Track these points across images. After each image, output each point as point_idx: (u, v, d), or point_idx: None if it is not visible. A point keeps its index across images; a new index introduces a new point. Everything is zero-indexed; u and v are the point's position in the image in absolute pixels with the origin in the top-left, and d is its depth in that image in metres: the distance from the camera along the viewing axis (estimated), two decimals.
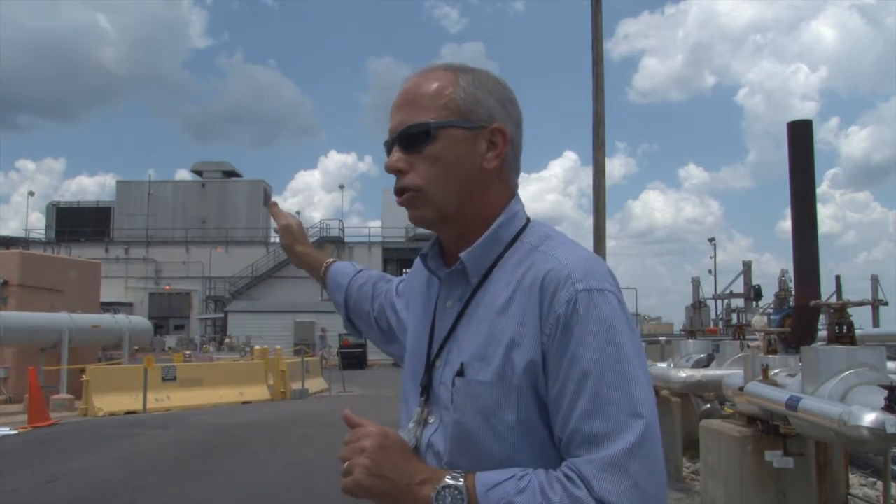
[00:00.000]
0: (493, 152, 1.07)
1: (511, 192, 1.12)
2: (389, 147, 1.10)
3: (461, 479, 0.94)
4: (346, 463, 1.00)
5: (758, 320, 8.51)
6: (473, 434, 1.00)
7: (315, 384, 18.15)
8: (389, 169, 1.09)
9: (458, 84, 1.07)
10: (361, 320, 1.54)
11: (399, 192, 1.09)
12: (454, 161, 1.06)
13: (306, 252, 1.64)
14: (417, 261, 1.29)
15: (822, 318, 6.47)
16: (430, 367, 1.10)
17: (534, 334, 0.97)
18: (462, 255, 1.07)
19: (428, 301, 1.19)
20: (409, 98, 1.09)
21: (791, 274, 7.15)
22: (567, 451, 0.95)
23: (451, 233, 1.11)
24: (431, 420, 1.07)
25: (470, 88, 1.07)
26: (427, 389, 1.09)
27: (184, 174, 53.75)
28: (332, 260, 1.63)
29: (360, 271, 1.59)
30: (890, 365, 4.65)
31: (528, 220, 1.12)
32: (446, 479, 0.95)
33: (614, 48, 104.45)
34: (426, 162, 1.06)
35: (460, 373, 1.03)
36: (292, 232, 1.63)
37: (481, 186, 1.08)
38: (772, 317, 8.13)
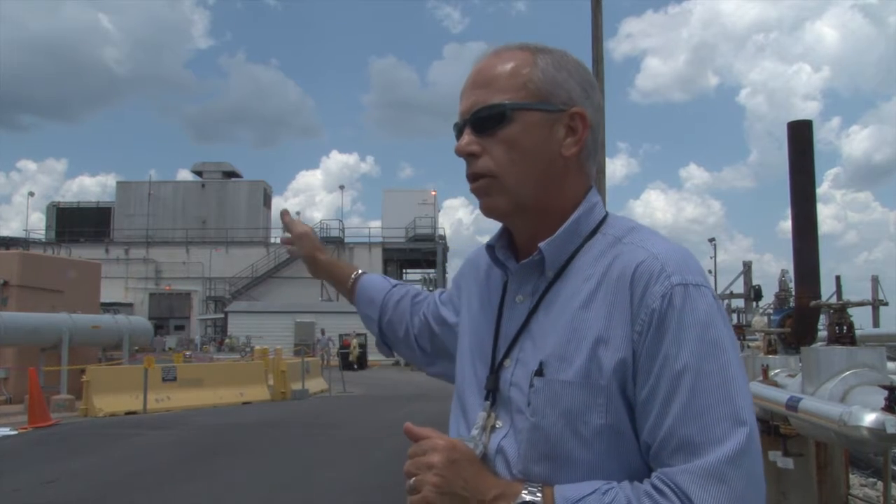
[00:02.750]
0: (572, 138, 1.00)
1: (588, 182, 1.05)
2: (460, 130, 1.02)
3: (539, 494, 0.87)
4: (413, 479, 0.91)
5: (758, 320, 8.48)
6: (554, 439, 0.91)
7: (315, 384, 18.15)
8: (460, 152, 1.01)
9: (536, 64, 1.00)
10: (398, 339, 1.39)
11: (472, 178, 1.01)
12: (531, 146, 0.98)
13: (332, 262, 1.49)
14: (471, 258, 1.21)
15: (823, 319, 6.46)
16: (496, 367, 1.01)
17: (623, 330, 0.90)
18: (542, 245, 0.98)
19: (489, 297, 1.10)
20: (482, 78, 1.01)
21: (791, 274, 7.13)
22: (657, 459, 0.86)
23: (525, 225, 1.03)
24: (499, 425, 0.98)
25: (549, 69, 1.00)
26: (493, 392, 1.00)
27: (185, 174, 53.81)
28: (361, 271, 1.48)
29: (395, 286, 1.44)
30: (890, 365, 4.64)
31: (607, 213, 1.05)
32: (523, 495, 0.87)
33: (617, 47, 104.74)
34: (500, 146, 0.98)
35: (539, 372, 0.94)
36: (311, 240, 1.50)
37: (559, 175, 1.00)
38: (772, 317, 8.10)
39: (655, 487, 0.84)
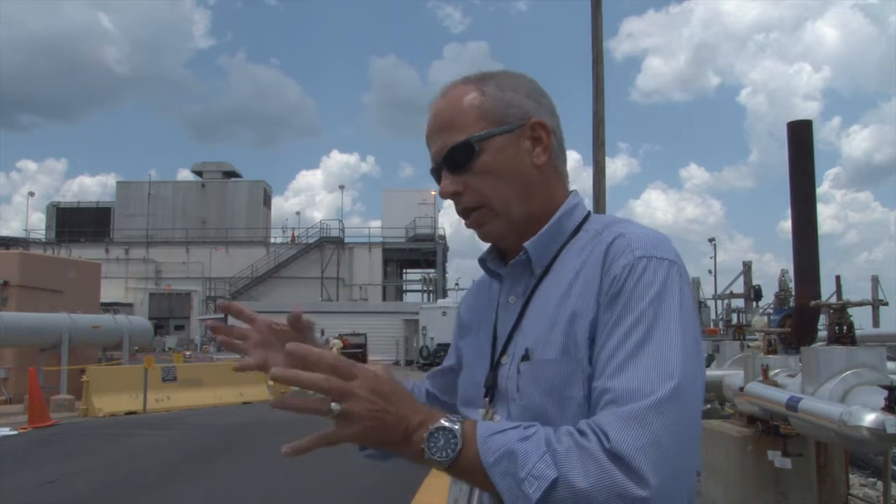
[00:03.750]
0: (539, 147, 1.06)
1: (566, 183, 1.11)
2: (437, 174, 1.09)
3: (457, 424, 0.87)
4: (339, 406, 0.84)
5: (758, 320, 8.49)
6: (541, 418, 0.93)
7: None
8: (444, 195, 1.07)
9: (483, 93, 1.06)
10: None
11: (463, 214, 1.08)
12: (505, 168, 1.04)
13: None
14: (467, 292, 1.26)
15: (823, 319, 6.47)
16: (495, 366, 1.05)
17: (592, 302, 0.95)
18: (526, 244, 1.04)
19: (486, 310, 1.15)
20: (441, 122, 1.08)
21: (791, 274, 7.14)
22: (592, 412, 0.89)
23: (517, 237, 1.07)
24: (497, 418, 1.01)
25: (496, 93, 1.06)
26: (492, 389, 1.04)
27: (186, 174, 53.82)
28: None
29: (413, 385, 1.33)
30: (890, 365, 4.64)
31: (589, 212, 1.10)
32: (441, 421, 0.87)
33: (618, 47, 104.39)
34: (478, 177, 1.04)
35: (525, 357, 0.99)
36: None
37: (539, 184, 1.06)
38: (772, 317, 8.12)
39: (577, 429, 0.85)
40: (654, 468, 0.80)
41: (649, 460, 0.81)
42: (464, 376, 1.15)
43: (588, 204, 1.12)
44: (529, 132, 1.06)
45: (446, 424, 0.87)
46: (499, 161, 1.04)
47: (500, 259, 1.13)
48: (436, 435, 0.87)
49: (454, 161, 1.05)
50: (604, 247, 0.98)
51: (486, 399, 1.04)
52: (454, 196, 1.07)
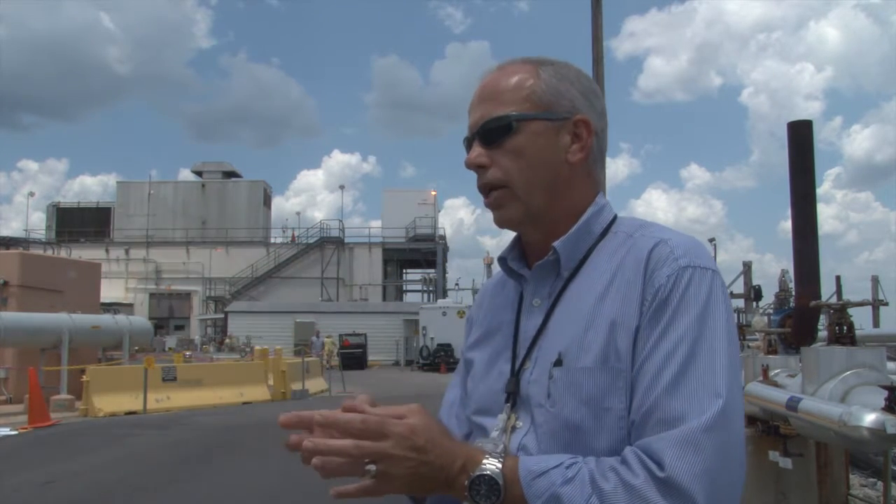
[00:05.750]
0: (577, 144, 1.03)
1: (597, 188, 1.07)
2: (469, 143, 1.05)
3: (499, 465, 0.86)
4: (375, 467, 0.84)
5: (758, 321, 8.49)
6: (576, 427, 0.91)
7: (315, 384, 18.16)
8: (470, 165, 1.04)
9: (538, 76, 1.03)
10: None
11: (484, 190, 1.04)
12: (537, 154, 1.01)
13: None
14: (473, 304, 1.24)
15: (823, 319, 6.47)
16: (517, 370, 1.01)
17: (634, 312, 0.92)
18: (556, 244, 1.01)
19: (503, 313, 1.10)
20: (488, 93, 1.04)
21: (791, 274, 7.14)
22: (638, 432, 0.87)
23: (539, 233, 1.05)
24: (520, 425, 0.98)
25: (551, 80, 1.03)
26: (513, 395, 1.00)
27: (186, 174, 53.78)
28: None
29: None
30: (890, 365, 4.64)
31: (616, 214, 1.08)
32: (482, 466, 0.86)
33: (620, 46, 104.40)
34: (508, 156, 1.01)
35: (558, 363, 0.95)
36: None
37: (567, 181, 1.03)
38: (772, 317, 8.12)
39: (622, 460, 0.84)
40: (706, 495, 0.81)
41: (702, 488, 0.81)
42: (478, 384, 1.10)
43: None
44: (572, 127, 1.03)
45: (487, 472, 0.86)
46: (532, 146, 1.01)
47: (521, 259, 1.09)
48: (477, 483, 0.86)
49: (488, 134, 1.02)
50: (643, 252, 0.95)
51: (508, 405, 1.00)
52: (479, 168, 1.03)
